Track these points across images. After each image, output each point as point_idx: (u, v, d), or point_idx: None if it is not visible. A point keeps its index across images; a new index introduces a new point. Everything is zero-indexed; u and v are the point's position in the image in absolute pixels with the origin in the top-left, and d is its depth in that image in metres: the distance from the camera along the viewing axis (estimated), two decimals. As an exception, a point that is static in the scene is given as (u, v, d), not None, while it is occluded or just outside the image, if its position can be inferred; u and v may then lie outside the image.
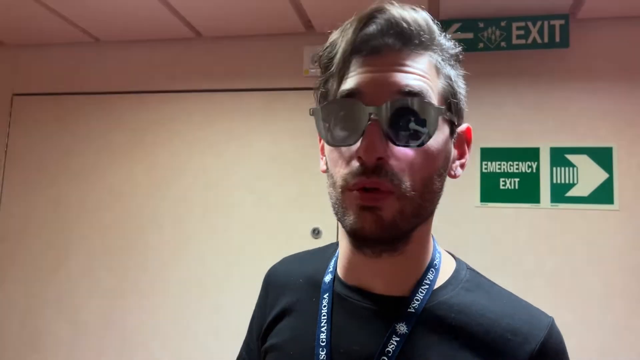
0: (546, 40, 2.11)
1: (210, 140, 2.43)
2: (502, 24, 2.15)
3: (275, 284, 0.79)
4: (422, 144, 0.59)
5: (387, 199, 0.58)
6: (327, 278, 0.71)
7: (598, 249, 2.02)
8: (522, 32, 2.13)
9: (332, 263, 0.73)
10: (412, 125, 0.58)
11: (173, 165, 2.45)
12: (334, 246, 0.78)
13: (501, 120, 2.18)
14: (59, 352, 2.41)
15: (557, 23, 2.11)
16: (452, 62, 0.65)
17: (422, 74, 0.60)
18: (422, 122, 0.58)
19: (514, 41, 2.14)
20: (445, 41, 0.64)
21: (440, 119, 0.60)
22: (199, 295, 2.32)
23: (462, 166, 0.67)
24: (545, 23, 2.11)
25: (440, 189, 0.63)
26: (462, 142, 0.67)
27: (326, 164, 0.67)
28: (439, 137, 0.61)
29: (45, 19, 2.35)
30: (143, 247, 2.41)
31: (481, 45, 2.16)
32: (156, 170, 2.46)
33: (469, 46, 2.15)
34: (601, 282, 1.99)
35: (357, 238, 0.61)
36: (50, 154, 2.58)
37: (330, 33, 0.65)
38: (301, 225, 2.28)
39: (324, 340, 0.65)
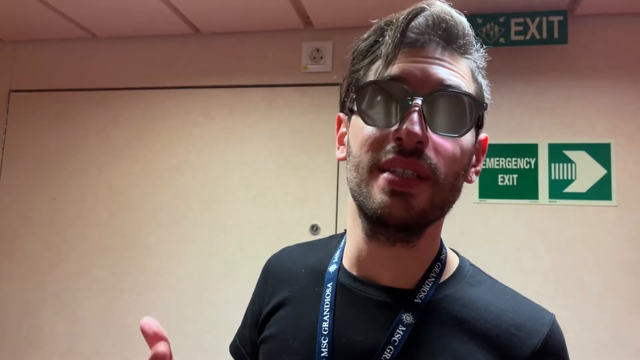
0: (545, 36, 2.11)
1: (208, 137, 2.43)
2: (501, 20, 2.14)
3: (276, 273, 0.78)
4: (462, 134, 0.60)
5: (420, 185, 0.58)
6: (332, 268, 0.71)
7: (596, 244, 2.02)
8: (520, 28, 2.13)
9: (337, 254, 0.73)
10: (452, 116, 0.59)
11: (171, 161, 2.44)
12: (339, 237, 0.77)
13: (499, 117, 2.18)
14: (57, 349, 2.40)
15: (555, 19, 2.10)
16: (484, 73, 0.67)
17: (461, 74, 0.62)
18: (462, 116, 0.60)
19: (513, 37, 2.13)
20: (479, 53, 0.67)
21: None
22: (198, 292, 2.32)
23: (476, 173, 0.68)
24: (544, 19, 2.11)
25: (461, 188, 0.64)
26: (480, 150, 0.69)
27: (344, 152, 0.67)
28: (469, 137, 0.62)
29: (42, 14, 2.34)
30: (141, 244, 2.41)
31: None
32: (154, 166, 2.46)
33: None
34: (599, 278, 2.00)
35: (380, 223, 0.60)
36: (48, 151, 2.57)
37: (373, 23, 0.67)
38: (300, 222, 2.28)
39: (326, 329, 0.64)
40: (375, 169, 0.59)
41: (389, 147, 0.58)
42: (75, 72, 2.61)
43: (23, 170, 2.58)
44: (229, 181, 2.37)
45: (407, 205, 0.58)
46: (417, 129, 0.56)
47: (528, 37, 2.12)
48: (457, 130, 0.60)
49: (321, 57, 2.34)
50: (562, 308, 1.98)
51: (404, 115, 0.57)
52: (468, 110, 0.60)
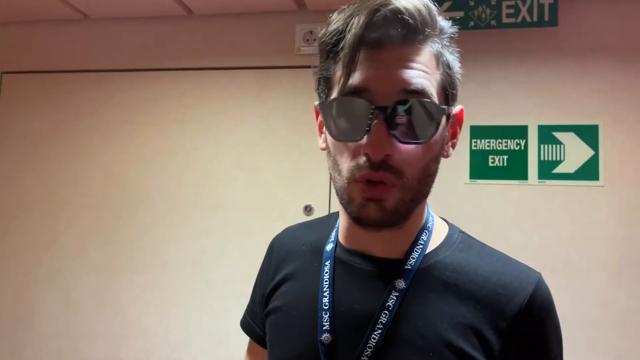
0: (535, 19, 2.13)
1: (202, 118, 2.44)
2: (493, 2, 2.17)
3: (280, 250, 0.82)
4: (427, 140, 0.62)
5: (390, 191, 0.61)
6: (329, 247, 0.74)
7: (583, 223, 2.07)
8: (512, 10, 2.15)
9: (333, 233, 0.77)
10: (416, 124, 0.60)
11: (165, 143, 2.45)
12: (336, 216, 0.81)
13: (490, 98, 2.21)
14: (51, 329, 2.42)
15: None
16: (450, 46, 0.67)
17: (424, 70, 0.62)
18: (426, 122, 0.61)
19: (504, 20, 2.16)
20: (444, 22, 0.66)
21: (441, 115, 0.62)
22: (192, 271, 2.34)
23: (453, 146, 0.70)
24: (535, 2, 2.13)
25: (436, 171, 0.67)
26: (455, 123, 0.70)
27: (325, 142, 0.69)
28: (438, 130, 0.63)
29: (34, -6, 2.32)
30: (135, 224, 2.42)
31: (472, 23, 2.18)
32: (148, 148, 2.46)
33: (459, 25, 2.14)
34: (585, 255, 2.05)
35: (359, 223, 0.64)
36: (40, 132, 2.56)
37: (329, 14, 0.66)
38: (293, 202, 2.30)
39: (326, 304, 0.68)
40: (352, 181, 0.62)
41: (361, 161, 0.61)
42: (68, 53, 2.60)
43: (16, 152, 2.58)
44: (223, 162, 2.39)
45: (381, 208, 0.62)
46: (381, 143, 0.59)
47: (519, 19, 2.15)
48: (423, 135, 0.61)
49: (314, 39, 2.35)
50: (550, 284, 2.02)
51: (369, 129, 0.59)
52: (431, 116, 0.61)
